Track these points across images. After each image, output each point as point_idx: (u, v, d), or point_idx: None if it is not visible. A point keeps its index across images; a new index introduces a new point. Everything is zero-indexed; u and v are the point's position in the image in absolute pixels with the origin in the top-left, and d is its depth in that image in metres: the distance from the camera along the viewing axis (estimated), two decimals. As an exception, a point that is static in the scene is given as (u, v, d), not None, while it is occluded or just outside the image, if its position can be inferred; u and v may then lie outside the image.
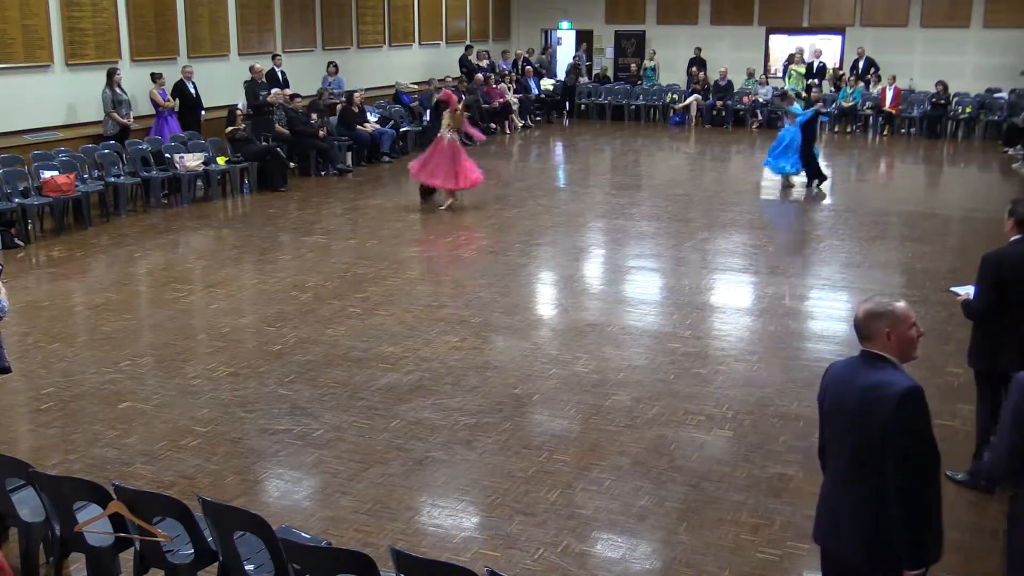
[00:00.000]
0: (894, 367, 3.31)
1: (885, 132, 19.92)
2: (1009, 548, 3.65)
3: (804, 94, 17.55)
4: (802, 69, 20.90)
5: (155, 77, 13.82)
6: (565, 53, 24.89)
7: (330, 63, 17.66)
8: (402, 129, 17.58)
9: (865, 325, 3.35)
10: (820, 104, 15.58)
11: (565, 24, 24.55)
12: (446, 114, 13.38)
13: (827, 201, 14.27)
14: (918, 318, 3.43)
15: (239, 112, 14.32)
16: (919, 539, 3.27)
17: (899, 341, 3.31)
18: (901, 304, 3.36)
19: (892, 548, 3.29)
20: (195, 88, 14.49)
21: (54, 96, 12.80)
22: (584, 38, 24.39)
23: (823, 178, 14.53)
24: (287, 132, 15.15)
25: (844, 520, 3.39)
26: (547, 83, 22.86)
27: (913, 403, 3.20)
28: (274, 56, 16.24)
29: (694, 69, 22.02)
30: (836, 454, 3.45)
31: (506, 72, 21.94)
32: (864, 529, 3.33)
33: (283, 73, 16.20)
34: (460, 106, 13.45)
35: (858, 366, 3.38)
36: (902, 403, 3.19)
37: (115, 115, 13.09)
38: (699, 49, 22.47)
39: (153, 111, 14.05)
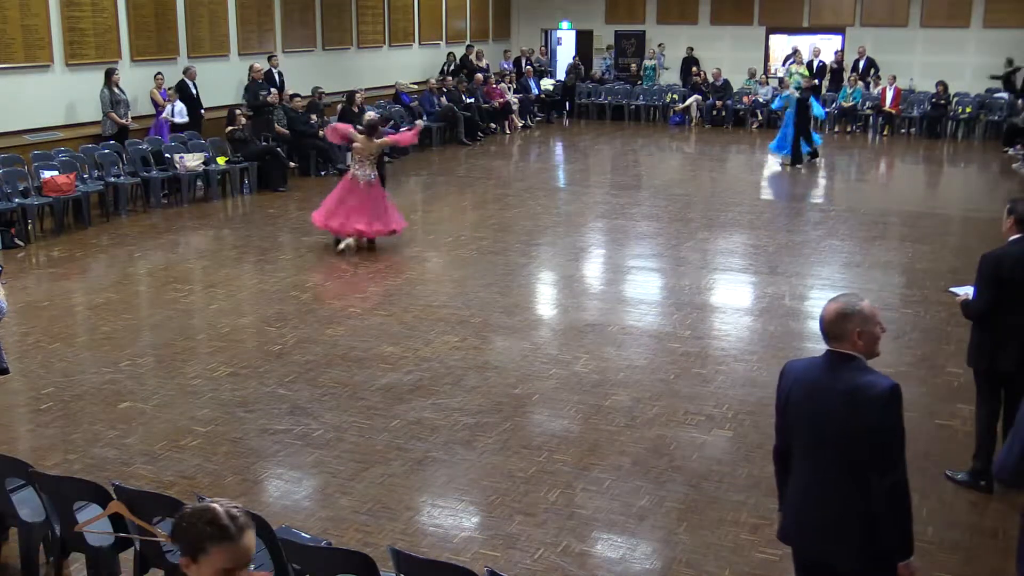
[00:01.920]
0: (866, 366, 3.34)
1: (885, 132, 19.92)
2: (1020, 549, 3.63)
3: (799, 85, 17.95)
4: (803, 69, 20.89)
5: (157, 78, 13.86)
6: (565, 53, 24.91)
7: (252, 66, 15.26)
8: (402, 129, 17.54)
9: (834, 326, 3.35)
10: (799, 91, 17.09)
11: (565, 24, 24.55)
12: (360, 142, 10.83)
13: (827, 201, 14.29)
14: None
15: (241, 114, 14.34)
16: (909, 531, 3.33)
17: (867, 340, 3.35)
18: (867, 303, 3.40)
19: (883, 547, 3.32)
20: (195, 88, 14.50)
21: (54, 96, 12.79)
22: (584, 38, 24.41)
23: (801, 160, 16.45)
24: (287, 132, 15.15)
25: (836, 526, 3.37)
26: (547, 83, 22.86)
27: (898, 401, 3.27)
28: (270, 57, 16.19)
29: (695, 68, 22.06)
30: (817, 459, 3.41)
31: (507, 72, 21.98)
32: (860, 532, 3.33)
33: (280, 74, 16.12)
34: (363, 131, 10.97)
35: (829, 368, 3.37)
36: (889, 402, 3.24)
37: (113, 115, 13.07)
38: (691, 48, 22.54)
39: (153, 111, 14.06)
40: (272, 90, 15.26)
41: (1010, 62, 18.92)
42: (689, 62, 22.55)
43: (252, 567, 3.86)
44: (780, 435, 3.59)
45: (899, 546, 3.33)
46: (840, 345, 3.36)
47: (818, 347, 7.77)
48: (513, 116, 20.60)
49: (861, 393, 3.27)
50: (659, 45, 23.21)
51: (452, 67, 20.83)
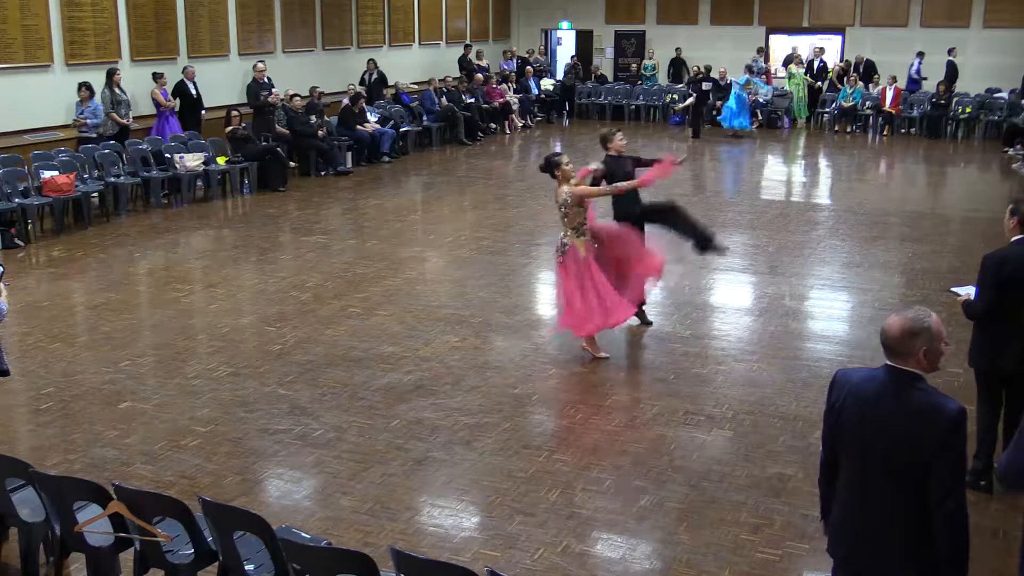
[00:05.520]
0: (931, 387, 3.24)
1: (885, 132, 19.91)
2: (1023, 549, 3.63)
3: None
4: (802, 70, 20.91)
5: (156, 77, 13.82)
6: (565, 53, 24.91)
7: (81, 84, 12.66)
8: (402, 129, 17.58)
9: (900, 343, 3.22)
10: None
11: (565, 24, 24.56)
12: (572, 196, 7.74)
13: (827, 201, 14.29)
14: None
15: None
16: (964, 555, 3.21)
17: (933, 358, 3.24)
18: (935, 319, 3.26)
19: (935, 567, 3.23)
20: (196, 88, 14.50)
21: (54, 96, 12.78)
22: (584, 38, 24.41)
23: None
24: (287, 132, 15.15)
25: (885, 543, 3.30)
26: (547, 83, 22.86)
27: (964, 425, 3.17)
28: (255, 65, 15.43)
29: (696, 68, 22.06)
30: (869, 475, 3.29)
31: (508, 72, 21.96)
32: (911, 551, 3.26)
33: (268, 79, 15.41)
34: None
35: (893, 386, 3.25)
36: (956, 426, 3.14)
37: (114, 115, 13.08)
38: (679, 49, 22.58)
39: (154, 111, 14.06)
40: (273, 90, 15.22)
41: None
42: (678, 63, 22.58)
43: (251, 567, 3.87)
44: (827, 446, 3.46)
45: (955, 571, 3.21)
46: (903, 362, 3.23)
47: (817, 347, 7.82)
48: (513, 116, 20.60)
49: (931, 415, 3.16)
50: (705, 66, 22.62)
51: (373, 76, 18.56)
